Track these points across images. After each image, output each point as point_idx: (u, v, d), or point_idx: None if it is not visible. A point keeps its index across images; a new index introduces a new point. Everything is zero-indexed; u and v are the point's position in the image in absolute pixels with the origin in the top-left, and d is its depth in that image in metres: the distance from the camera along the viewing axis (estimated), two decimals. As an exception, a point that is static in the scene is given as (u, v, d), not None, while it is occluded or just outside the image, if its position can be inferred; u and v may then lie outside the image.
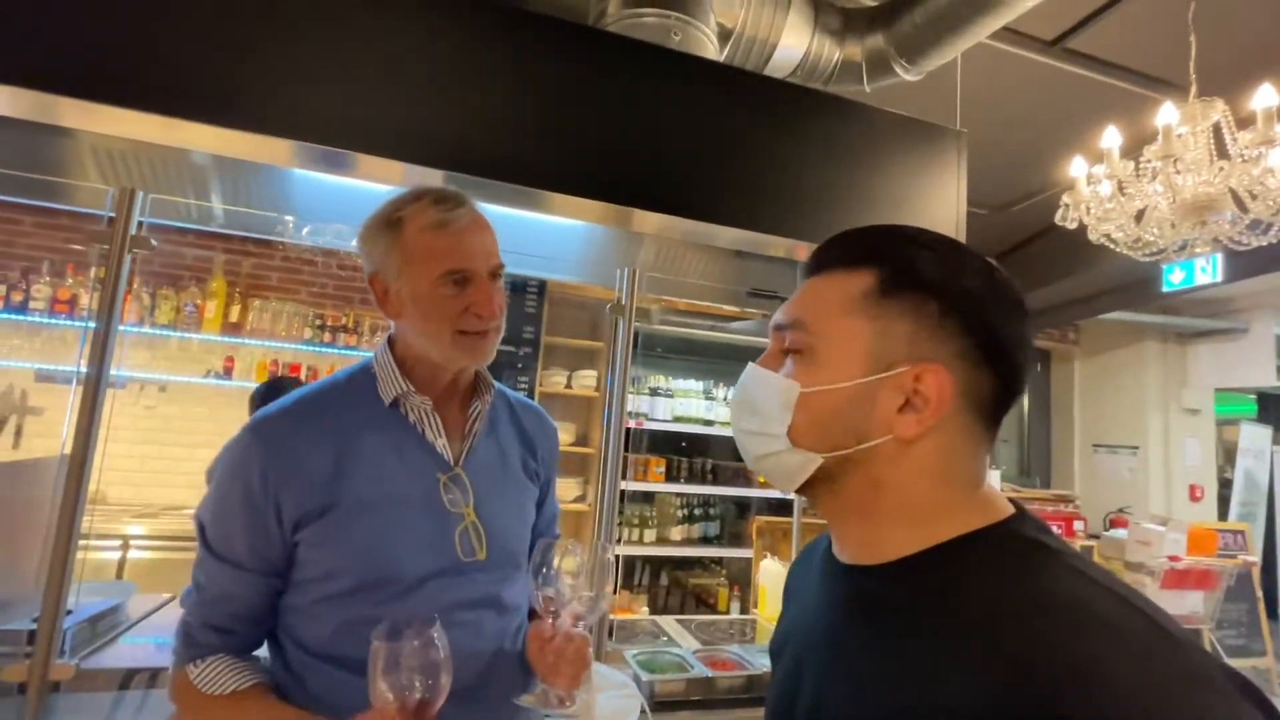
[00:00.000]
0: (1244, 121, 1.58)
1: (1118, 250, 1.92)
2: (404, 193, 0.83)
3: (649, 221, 1.57)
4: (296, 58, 1.28)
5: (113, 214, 1.20)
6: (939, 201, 1.76)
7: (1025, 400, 5.12)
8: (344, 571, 0.76)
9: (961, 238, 1.76)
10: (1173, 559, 2.12)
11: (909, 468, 0.49)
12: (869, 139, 1.71)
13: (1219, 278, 2.74)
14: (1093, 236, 1.92)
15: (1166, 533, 2.11)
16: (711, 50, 1.73)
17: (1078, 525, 3.01)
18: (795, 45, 1.83)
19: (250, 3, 1.26)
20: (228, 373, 3.22)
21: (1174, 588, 2.11)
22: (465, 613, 0.80)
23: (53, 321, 2.89)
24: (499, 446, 0.91)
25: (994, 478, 3.99)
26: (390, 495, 0.79)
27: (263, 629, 0.81)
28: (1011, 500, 0.51)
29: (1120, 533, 2.33)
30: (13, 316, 2.84)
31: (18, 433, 3.00)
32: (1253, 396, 5.56)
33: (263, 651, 0.83)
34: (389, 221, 0.82)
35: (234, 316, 3.21)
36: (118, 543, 2.72)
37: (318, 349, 3.24)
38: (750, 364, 0.55)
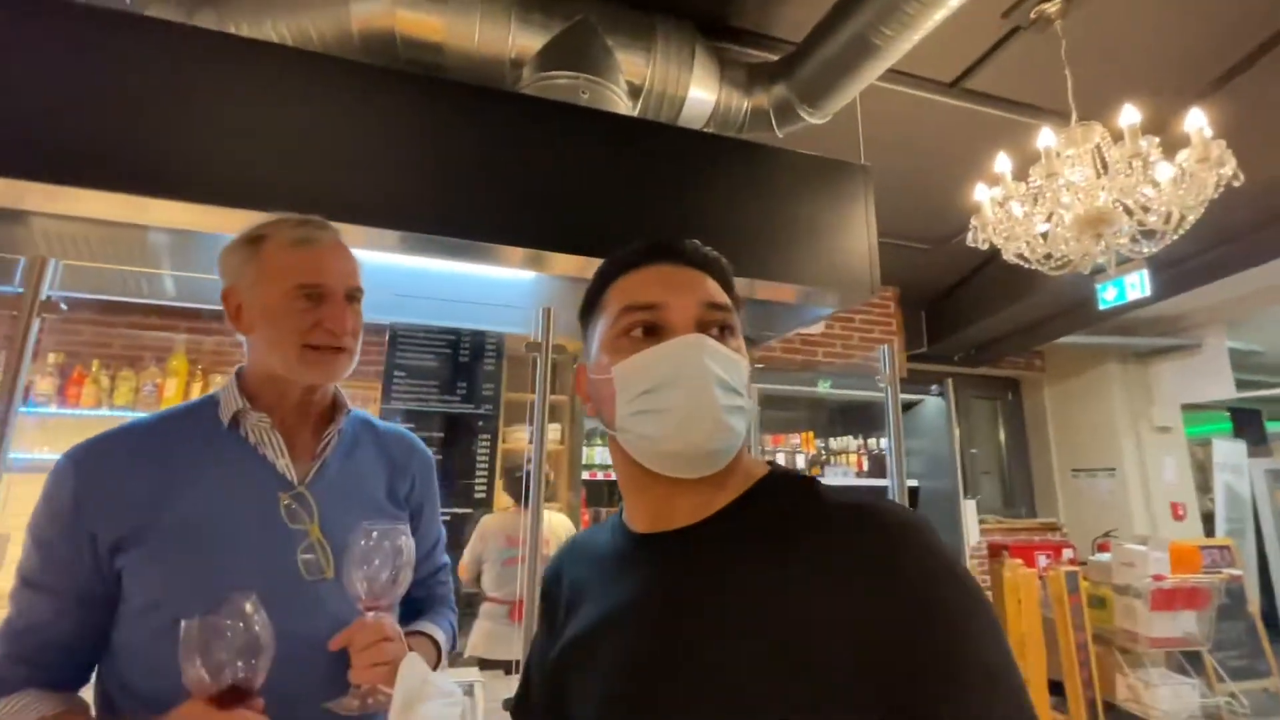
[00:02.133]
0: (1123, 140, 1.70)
1: (1032, 267, 2.00)
2: (267, 218, 0.86)
3: (571, 264, 1.63)
4: (232, 130, 1.35)
5: (20, 288, 1.21)
6: (850, 231, 1.85)
7: (1001, 430, 5.13)
8: (170, 598, 0.72)
9: (875, 265, 1.83)
10: (1157, 578, 2.10)
11: None
12: (778, 178, 1.81)
13: (1148, 293, 2.84)
14: (1006, 256, 2.01)
15: (1149, 552, 2.09)
16: (623, 106, 1.85)
17: (1066, 553, 2.97)
18: (705, 98, 1.96)
19: (181, 80, 1.34)
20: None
21: (1164, 609, 2.08)
22: (315, 639, 0.76)
23: None
24: (356, 470, 0.89)
25: (971, 508, 3.97)
26: (219, 515, 0.77)
27: (78, 665, 0.77)
28: (764, 461, 0.61)
29: (1106, 556, 2.30)
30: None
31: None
32: (1226, 413, 5.61)
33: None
34: (250, 239, 0.84)
35: (195, 393, 3.22)
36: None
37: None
38: (708, 340, 0.56)
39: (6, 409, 1.15)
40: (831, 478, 3.88)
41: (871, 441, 4.18)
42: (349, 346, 0.84)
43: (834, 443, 4.13)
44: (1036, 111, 2.30)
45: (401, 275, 1.71)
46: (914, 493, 3.93)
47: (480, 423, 3.26)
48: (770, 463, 0.61)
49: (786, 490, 0.56)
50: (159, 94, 1.31)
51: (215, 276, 1.64)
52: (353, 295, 0.86)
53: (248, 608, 0.63)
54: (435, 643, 0.94)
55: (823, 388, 3.84)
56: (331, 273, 0.83)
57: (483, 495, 3.23)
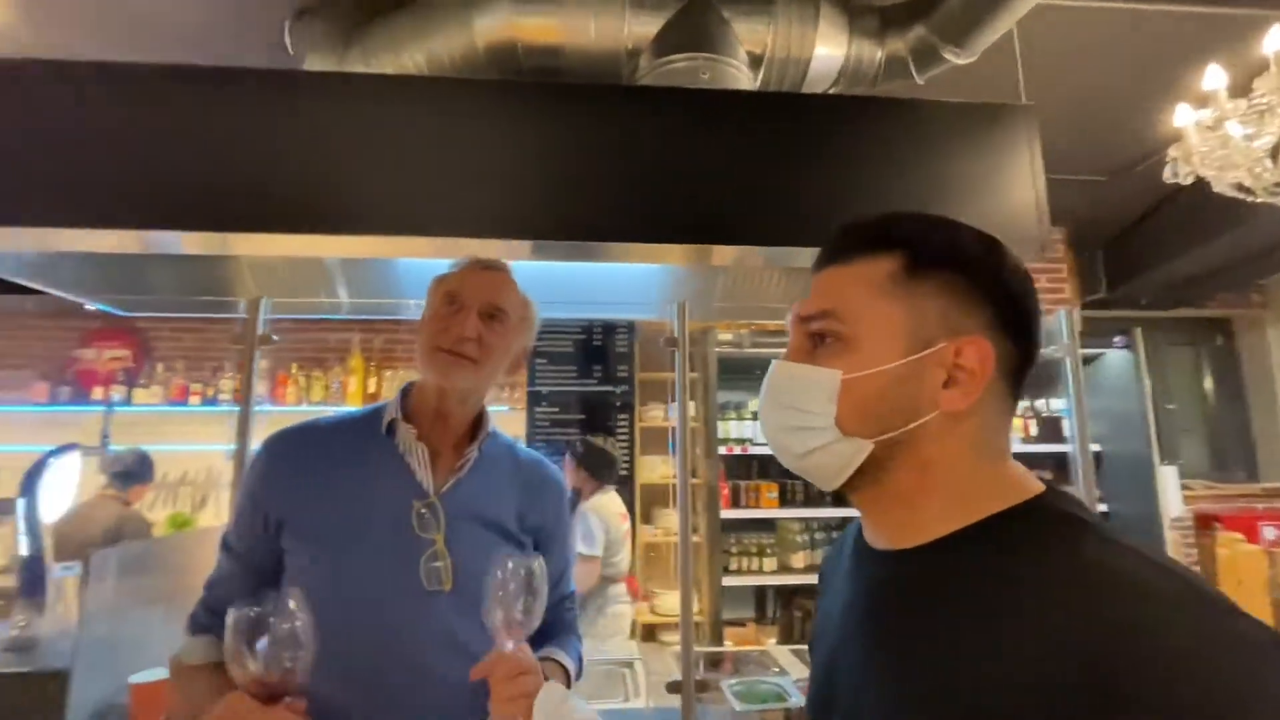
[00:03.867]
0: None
1: (1255, 200, 1.64)
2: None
3: (723, 255, 1.60)
4: (391, 167, 1.47)
5: (245, 317, 1.46)
6: (1011, 183, 1.63)
7: (1207, 380, 4.37)
8: (309, 582, 0.78)
9: (1044, 217, 1.61)
10: None
11: (953, 444, 0.50)
12: (921, 134, 1.63)
13: None
14: (1219, 188, 1.67)
15: None
16: (745, 80, 1.76)
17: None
18: (832, 54, 1.80)
19: (346, 137, 1.47)
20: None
21: None
22: (428, 649, 0.81)
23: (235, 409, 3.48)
24: (489, 491, 0.92)
25: (1171, 474, 3.44)
26: (360, 512, 0.85)
27: None
28: (1040, 477, 0.51)
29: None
30: (208, 408, 3.45)
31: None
32: None
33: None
34: (437, 280, 0.95)
35: (371, 387, 3.64)
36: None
37: (442, 408, 3.59)
38: (776, 361, 0.55)
39: (245, 414, 1.43)
40: (993, 445, 3.54)
41: (1041, 403, 3.74)
42: (472, 355, 0.87)
43: (994, 405, 3.75)
44: (1261, 4, 1.85)
45: (535, 274, 1.78)
46: (1097, 459, 3.49)
47: (617, 403, 3.38)
48: (1048, 483, 0.50)
49: (1033, 529, 0.46)
50: (323, 141, 1.46)
51: (382, 290, 1.86)
52: (489, 312, 0.90)
53: (291, 604, 0.65)
54: (565, 669, 0.95)
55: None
56: (471, 286, 0.91)
57: (625, 472, 3.36)
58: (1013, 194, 1.64)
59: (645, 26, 1.72)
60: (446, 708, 0.82)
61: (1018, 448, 3.51)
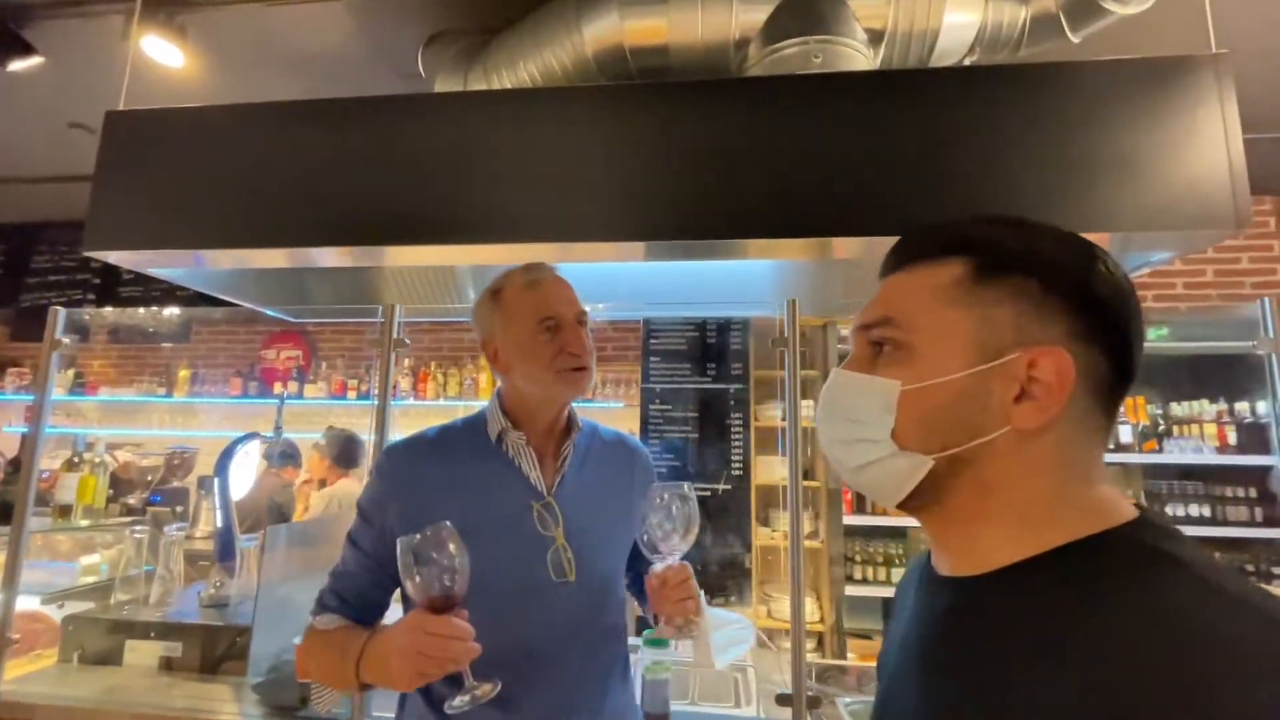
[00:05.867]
0: None
1: None
2: (501, 272, 1.01)
3: (846, 248, 1.52)
4: (512, 177, 1.55)
5: (382, 321, 1.61)
6: (1196, 148, 1.38)
7: None
8: None
9: (1241, 187, 1.35)
10: None
11: (1024, 464, 0.45)
12: (1081, 100, 1.43)
13: None
14: None
15: None
16: (863, 60, 1.64)
17: None
18: (966, 20, 1.63)
19: (473, 152, 1.57)
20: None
21: None
22: (558, 636, 0.88)
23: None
24: (591, 478, 1.00)
25: None
26: (486, 518, 0.90)
27: (371, 613, 0.96)
28: (1137, 504, 0.45)
29: None
30: (362, 402, 3.87)
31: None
32: None
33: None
34: (492, 294, 1.00)
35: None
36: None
37: (562, 404, 3.77)
38: (835, 369, 0.53)
39: (382, 407, 1.56)
40: (1176, 455, 3.04)
41: (1242, 405, 3.15)
42: (589, 364, 0.95)
43: (1177, 408, 3.21)
44: None
45: (645, 272, 1.79)
46: (1317, 475, 2.87)
47: (731, 401, 3.32)
48: (1140, 508, 0.45)
49: (1109, 563, 0.41)
50: (453, 157, 1.57)
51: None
52: (580, 319, 0.97)
53: (444, 534, 0.76)
54: None
55: (1155, 337, 3.01)
56: (560, 303, 0.95)
57: (739, 472, 3.30)
58: (1198, 162, 1.38)
59: (754, 14, 1.66)
60: (570, 690, 0.90)
61: (1211, 459, 2.99)
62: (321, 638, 0.91)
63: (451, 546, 0.77)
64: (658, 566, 0.90)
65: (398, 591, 0.96)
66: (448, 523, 0.78)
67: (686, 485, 0.92)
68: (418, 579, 0.76)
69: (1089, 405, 0.45)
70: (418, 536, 0.77)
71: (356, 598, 0.95)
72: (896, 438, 0.48)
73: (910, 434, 0.47)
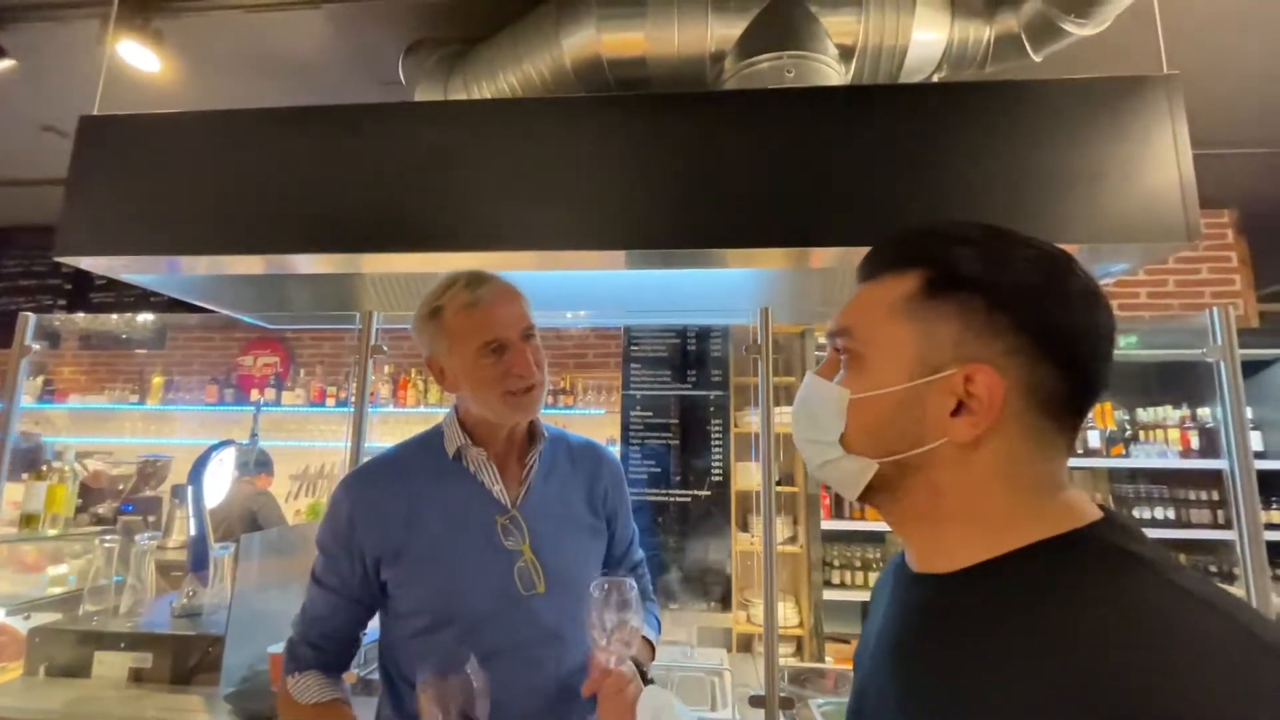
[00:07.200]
0: None
1: None
2: (440, 282, 0.95)
3: (822, 257, 1.55)
4: (492, 186, 1.56)
5: (359, 327, 1.61)
6: (1149, 164, 1.44)
7: None
8: (422, 608, 0.88)
9: (1191, 197, 1.41)
10: None
11: (972, 472, 0.48)
12: (1042, 117, 1.49)
13: None
14: None
15: None
16: (835, 76, 1.69)
17: None
18: (932, 39, 1.69)
19: (451, 160, 1.58)
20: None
21: None
22: (532, 648, 0.88)
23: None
24: (557, 488, 0.98)
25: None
26: (455, 537, 0.90)
27: (349, 651, 0.95)
28: (1102, 506, 0.47)
29: None
30: (341, 409, 3.83)
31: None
32: None
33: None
34: (431, 312, 0.93)
35: (481, 391, 3.88)
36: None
37: (542, 410, 3.76)
38: (809, 373, 0.57)
39: (359, 415, 1.55)
40: (1142, 459, 3.13)
41: (1205, 411, 3.26)
42: (539, 381, 0.93)
43: (1144, 414, 3.31)
44: None
45: (629, 282, 1.82)
46: (1266, 478, 2.97)
47: (712, 407, 3.35)
48: (1107, 512, 0.46)
49: (1071, 562, 0.43)
50: (431, 165, 1.58)
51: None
52: (527, 334, 0.93)
53: (468, 667, 0.73)
54: (650, 644, 1.01)
55: (1124, 345, 3.10)
56: (504, 324, 0.91)
57: (719, 478, 3.33)
58: (1152, 177, 1.45)
59: (729, 29, 1.70)
60: (554, 694, 0.90)
61: (1175, 463, 3.08)
62: (303, 714, 0.90)
63: (476, 676, 0.74)
64: (601, 658, 0.82)
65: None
66: (472, 655, 0.75)
67: (629, 580, 0.84)
68: (436, 714, 0.73)
69: (1037, 420, 0.47)
70: (436, 675, 0.73)
71: (331, 640, 0.94)
72: (844, 442, 0.51)
73: (857, 440, 0.51)
